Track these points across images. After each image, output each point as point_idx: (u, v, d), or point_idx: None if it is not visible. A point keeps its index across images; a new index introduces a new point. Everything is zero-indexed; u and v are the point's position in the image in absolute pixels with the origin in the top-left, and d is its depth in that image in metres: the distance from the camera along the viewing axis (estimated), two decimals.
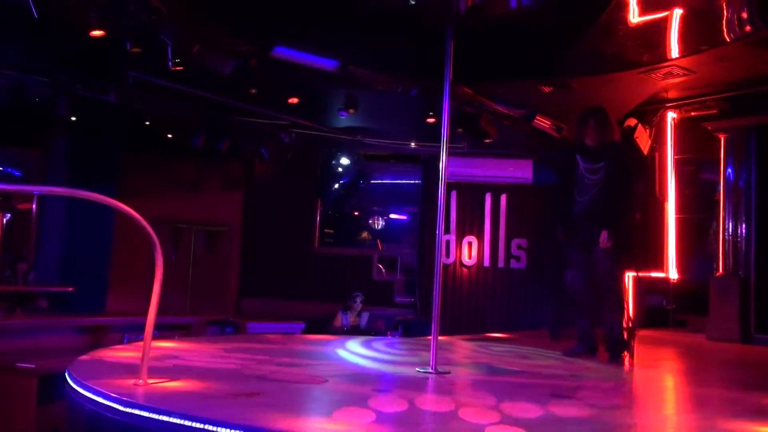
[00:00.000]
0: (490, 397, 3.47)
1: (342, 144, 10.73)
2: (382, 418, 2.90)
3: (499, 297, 10.37)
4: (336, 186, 11.57)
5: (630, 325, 5.18)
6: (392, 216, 13.74)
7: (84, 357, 4.11)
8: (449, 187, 10.30)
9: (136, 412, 2.86)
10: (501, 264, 10.36)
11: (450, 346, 5.83)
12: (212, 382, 3.55)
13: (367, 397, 3.28)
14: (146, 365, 3.34)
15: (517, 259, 10.29)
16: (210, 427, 2.62)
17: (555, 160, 9.49)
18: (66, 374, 3.58)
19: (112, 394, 3.01)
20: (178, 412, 2.74)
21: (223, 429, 2.59)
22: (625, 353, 5.13)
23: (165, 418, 2.75)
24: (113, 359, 4.16)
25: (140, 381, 3.29)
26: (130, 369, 3.50)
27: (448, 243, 10.42)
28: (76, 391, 3.30)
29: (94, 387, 3.16)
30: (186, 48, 6.21)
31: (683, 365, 6.26)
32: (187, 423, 2.67)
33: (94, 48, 6.83)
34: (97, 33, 5.72)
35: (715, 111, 8.42)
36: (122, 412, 2.92)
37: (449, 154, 9.98)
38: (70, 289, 10.26)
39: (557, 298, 5.63)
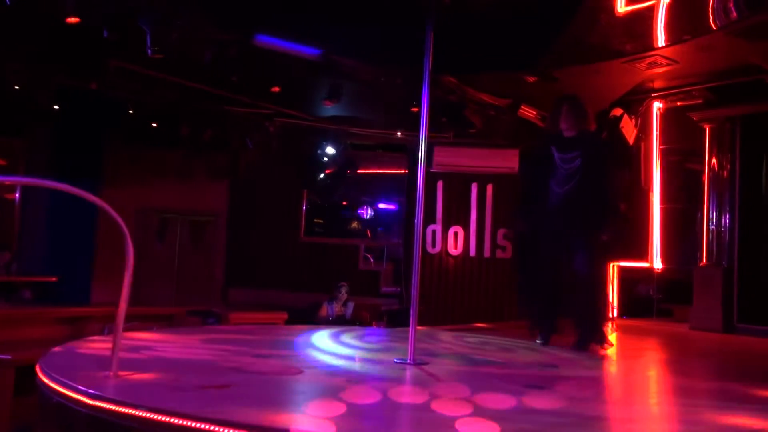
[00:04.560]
0: (465, 388, 3.45)
1: (328, 133, 10.67)
2: (353, 410, 2.87)
3: (484, 287, 10.35)
4: (322, 176, 11.52)
5: (603, 316, 5.18)
6: (381, 206, 13.71)
7: (57, 348, 4.06)
8: (435, 177, 10.27)
9: (104, 405, 2.82)
10: (487, 254, 10.33)
11: (431, 336, 5.80)
12: (184, 373, 3.51)
13: (341, 388, 3.24)
14: (117, 357, 3.30)
15: (503, 249, 10.27)
16: (175, 420, 2.58)
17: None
18: (37, 366, 3.53)
19: (80, 387, 2.97)
20: (145, 405, 2.70)
21: (189, 421, 2.55)
22: (597, 343, 5.09)
23: (131, 411, 2.71)
24: (87, 351, 4.11)
25: (110, 373, 3.25)
26: (103, 361, 3.45)
27: (434, 233, 10.38)
28: (46, 383, 3.26)
29: (63, 379, 3.12)
30: (165, 36, 6.13)
31: (664, 355, 6.27)
32: (153, 416, 2.64)
33: (73, 36, 6.73)
34: (72, 20, 5.64)
35: (700, 101, 8.43)
36: (89, 405, 2.88)
37: (436, 143, 9.86)
38: (54, 279, 10.18)
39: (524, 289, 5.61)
